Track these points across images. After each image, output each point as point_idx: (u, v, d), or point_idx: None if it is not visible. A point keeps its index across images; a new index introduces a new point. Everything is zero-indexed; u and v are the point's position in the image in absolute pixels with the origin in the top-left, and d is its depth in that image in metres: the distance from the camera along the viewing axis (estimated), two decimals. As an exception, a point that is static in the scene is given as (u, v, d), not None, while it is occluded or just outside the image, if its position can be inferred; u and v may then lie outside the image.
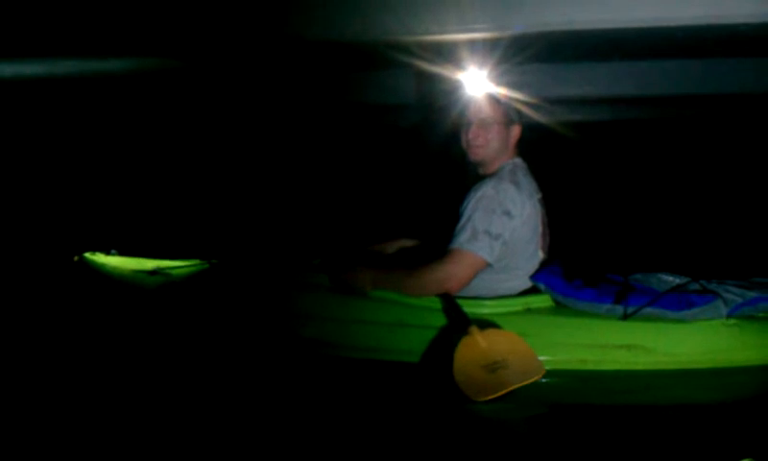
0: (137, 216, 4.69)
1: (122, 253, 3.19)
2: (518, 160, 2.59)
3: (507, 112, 2.56)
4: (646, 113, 7.51)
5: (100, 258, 3.16)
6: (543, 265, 2.58)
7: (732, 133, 7.58)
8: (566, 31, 2.81)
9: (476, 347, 2.12)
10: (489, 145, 2.55)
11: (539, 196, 2.59)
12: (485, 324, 2.28)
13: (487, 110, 2.55)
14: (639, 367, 2.43)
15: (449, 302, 2.39)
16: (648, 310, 2.43)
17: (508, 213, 2.44)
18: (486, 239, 2.43)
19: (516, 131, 2.57)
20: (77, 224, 4.33)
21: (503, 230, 2.44)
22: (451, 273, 2.44)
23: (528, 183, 2.55)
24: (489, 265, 2.46)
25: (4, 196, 5.05)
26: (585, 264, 2.64)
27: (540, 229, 2.57)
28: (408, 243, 3.02)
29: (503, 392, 2.01)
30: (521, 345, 2.17)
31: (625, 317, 2.43)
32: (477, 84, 2.56)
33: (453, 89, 2.64)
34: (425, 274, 2.47)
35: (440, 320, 2.44)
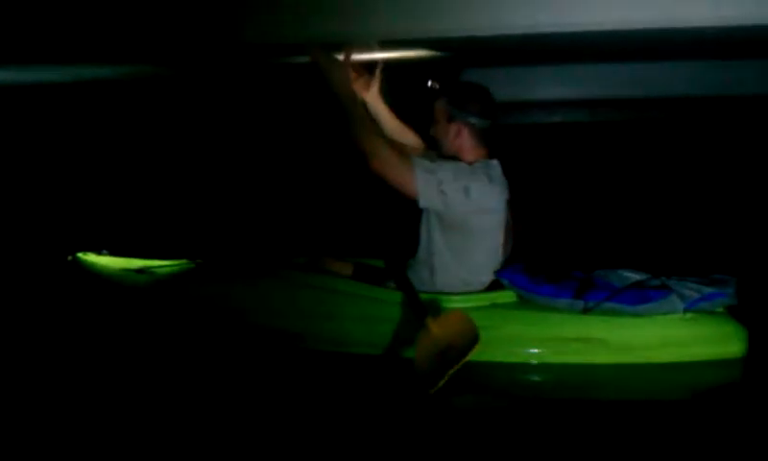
0: (129, 217, 4.81)
1: (113, 253, 3.31)
2: (494, 162, 2.68)
3: (446, 109, 2.65)
4: (619, 116, 7.52)
5: (91, 258, 3.29)
6: (507, 262, 2.66)
7: (703, 134, 7.59)
8: (532, 34, 2.89)
9: (431, 338, 2.21)
10: (437, 137, 2.70)
11: (506, 197, 2.67)
12: (437, 309, 2.37)
13: (437, 104, 2.69)
14: (598, 360, 2.50)
15: (411, 294, 2.48)
16: (607, 305, 2.49)
17: (467, 191, 2.53)
18: (434, 182, 2.51)
19: (456, 128, 2.64)
20: (71, 225, 4.46)
21: (452, 195, 2.52)
22: (388, 159, 2.51)
23: (500, 183, 2.64)
24: (417, 201, 2.54)
25: (1, 198, 5.21)
26: (548, 261, 2.71)
27: (503, 226, 2.65)
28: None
29: (451, 372, 2.08)
30: (466, 321, 2.23)
31: (585, 311, 2.50)
32: (435, 80, 2.68)
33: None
34: (378, 139, 2.55)
35: (403, 313, 2.53)
